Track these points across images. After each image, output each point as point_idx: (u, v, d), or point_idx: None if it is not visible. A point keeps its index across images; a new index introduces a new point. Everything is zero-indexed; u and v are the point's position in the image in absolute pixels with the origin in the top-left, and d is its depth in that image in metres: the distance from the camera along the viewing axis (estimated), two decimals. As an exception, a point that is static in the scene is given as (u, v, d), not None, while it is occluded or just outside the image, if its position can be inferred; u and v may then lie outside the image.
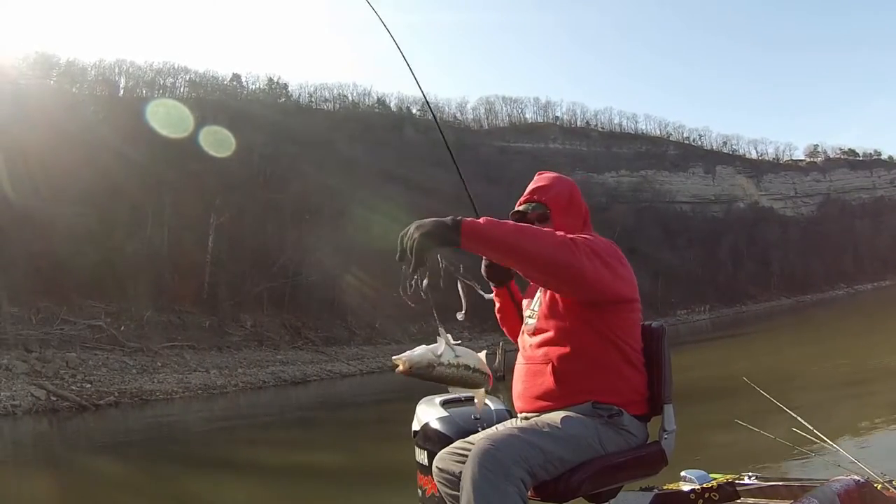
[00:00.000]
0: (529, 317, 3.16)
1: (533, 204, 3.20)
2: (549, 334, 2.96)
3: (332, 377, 42.54)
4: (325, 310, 54.95)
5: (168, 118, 62.25)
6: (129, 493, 11.91)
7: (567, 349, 2.89)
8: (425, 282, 2.60)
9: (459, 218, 2.57)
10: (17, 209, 40.58)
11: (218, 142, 59.95)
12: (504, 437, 2.61)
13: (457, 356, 2.64)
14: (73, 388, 30.53)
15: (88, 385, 31.32)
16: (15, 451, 19.28)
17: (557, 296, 2.96)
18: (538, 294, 3.15)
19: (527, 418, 2.94)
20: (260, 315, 51.26)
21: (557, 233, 2.72)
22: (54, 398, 28.44)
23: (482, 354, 2.79)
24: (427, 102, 4.70)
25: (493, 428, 3.11)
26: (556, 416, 2.79)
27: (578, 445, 2.75)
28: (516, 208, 3.24)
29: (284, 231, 55.54)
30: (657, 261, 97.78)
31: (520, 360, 3.11)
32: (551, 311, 2.98)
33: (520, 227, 2.63)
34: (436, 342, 2.68)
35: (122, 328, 40.26)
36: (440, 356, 2.60)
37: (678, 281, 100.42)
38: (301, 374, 41.68)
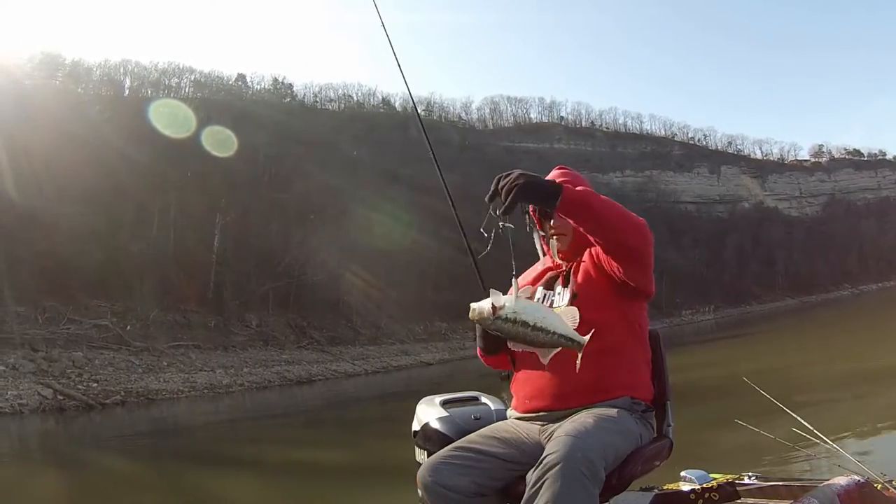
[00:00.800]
0: None
1: None
2: (587, 330, 2.78)
3: (337, 377, 42.66)
4: (330, 310, 55.02)
5: (173, 119, 62.12)
6: (139, 489, 12.12)
7: (606, 344, 2.84)
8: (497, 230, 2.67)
9: (561, 182, 2.67)
10: (23, 209, 40.69)
11: (220, 142, 59.95)
12: (586, 435, 2.53)
13: (514, 311, 2.54)
14: (80, 387, 30.72)
15: (95, 384, 31.49)
16: (25, 448, 19.53)
17: (598, 290, 2.97)
18: (554, 291, 3.13)
19: (545, 418, 2.90)
20: (265, 315, 51.33)
21: (640, 218, 2.82)
22: (61, 397, 28.69)
23: (571, 312, 2.66)
24: (414, 103, 4.50)
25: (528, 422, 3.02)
26: (606, 411, 2.77)
27: (631, 438, 2.77)
28: None
29: (289, 231, 55.66)
30: (662, 261, 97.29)
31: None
32: (591, 306, 2.88)
33: (612, 203, 2.74)
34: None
35: (128, 328, 40.37)
36: (498, 309, 2.55)
37: (683, 281, 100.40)
38: (306, 374, 41.87)
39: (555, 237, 3.22)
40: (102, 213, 45.67)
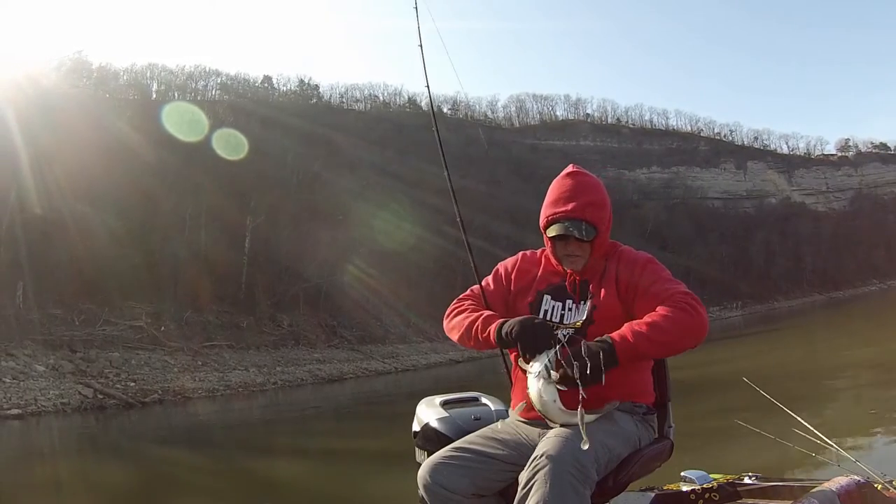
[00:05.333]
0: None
1: (583, 225, 2.97)
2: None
3: (367, 375, 42.92)
4: (360, 309, 55.06)
5: (191, 123, 61.44)
6: (189, 473, 13.37)
7: None
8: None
9: (611, 344, 2.69)
10: (57, 214, 40.98)
11: (231, 145, 59.42)
12: (578, 436, 2.54)
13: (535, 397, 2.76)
14: (118, 386, 31.25)
15: (132, 384, 31.99)
16: (79, 444, 20.29)
17: (616, 317, 2.92)
18: (565, 306, 3.06)
19: (546, 424, 2.83)
20: (296, 314, 51.51)
21: (684, 302, 2.80)
22: (101, 396, 29.25)
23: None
24: (431, 102, 4.64)
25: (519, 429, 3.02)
26: (604, 413, 2.81)
27: (629, 441, 2.83)
28: (560, 219, 3.01)
29: (318, 232, 55.55)
30: (689, 257, 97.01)
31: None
32: (608, 323, 2.88)
33: (660, 329, 2.73)
34: None
35: (163, 328, 40.68)
36: (529, 370, 2.78)
37: (710, 278, 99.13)
38: (337, 372, 42.11)
39: (566, 257, 3.09)
40: (135, 216, 45.85)
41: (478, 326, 3.03)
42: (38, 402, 26.82)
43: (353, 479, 11.22)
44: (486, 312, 3.09)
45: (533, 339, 2.78)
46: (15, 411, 25.29)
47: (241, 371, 38.35)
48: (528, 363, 2.79)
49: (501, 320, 2.95)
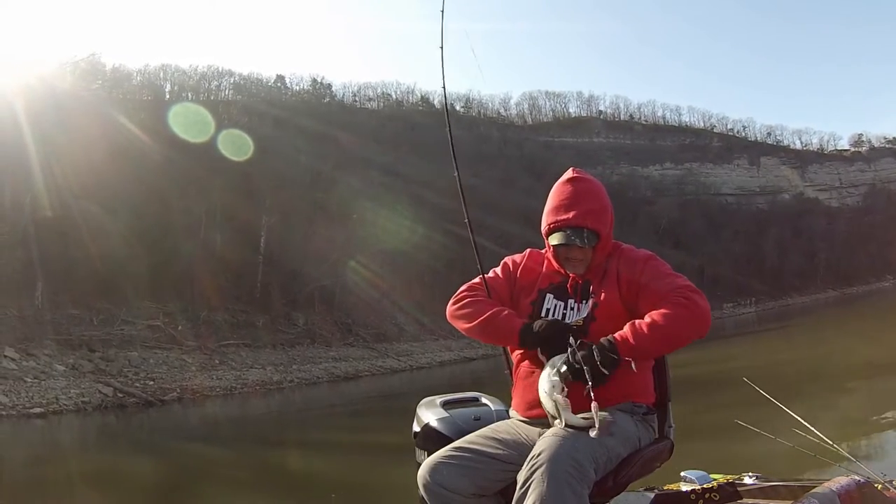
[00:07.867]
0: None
1: (585, 232, 3.01)
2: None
3: (382, 373, 43.11)
4: (374, 308, 55.33)
5: (196, 123, 61.03)
6: (220, 467, 13.90)
7: None
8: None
9: (613, 343, 2.76)
10: (74, 216, 41.10)
11: (236, 145, 59.10)
12: (575, 436, 2.59)
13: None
14: (137, 385, 31.55)
15: (151, 382, 32.31)
16: (106, 441, 20.75)
17: (618, 316, 2.96)
18: (567, 305, 3.09)
19: (546, 423, 2.84)
20: (311, 313, 51.64)
21: (683, 296, 2.86)
22: (121, 395, 29.56)
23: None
24: (446, 100, 4.49)
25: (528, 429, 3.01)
26: (603, 413, 2.73)
27: (629, 441, 2.82)
28: (561, 227, 3.07)
29: (333, 231, 55.55)
30: (702, 254, 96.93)
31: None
32: (610, 321, 2.94)
33: (661, 326, 2.79)
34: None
35: (180, 328, 40.91)
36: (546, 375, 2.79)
37: (723, 274, 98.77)
38: (353, 370, 42.30)
39: (568, 261, 3.13)
40: (150, 217, 45.73)
41: (500, 320, 3.05)
42: (60, 401, 27.14)
43: (365, 471, 11.64)
44: (508, 310, 3.11)
45: (561, 341, 2.83)
46: (37, 410, 25.62)
47: (257, 370, 38.59)
48: (545, 363, 2.85)
49: (528, 320, 3.03)
